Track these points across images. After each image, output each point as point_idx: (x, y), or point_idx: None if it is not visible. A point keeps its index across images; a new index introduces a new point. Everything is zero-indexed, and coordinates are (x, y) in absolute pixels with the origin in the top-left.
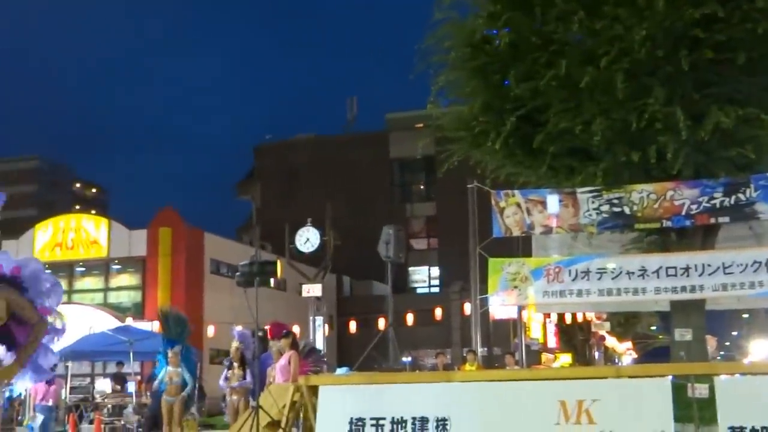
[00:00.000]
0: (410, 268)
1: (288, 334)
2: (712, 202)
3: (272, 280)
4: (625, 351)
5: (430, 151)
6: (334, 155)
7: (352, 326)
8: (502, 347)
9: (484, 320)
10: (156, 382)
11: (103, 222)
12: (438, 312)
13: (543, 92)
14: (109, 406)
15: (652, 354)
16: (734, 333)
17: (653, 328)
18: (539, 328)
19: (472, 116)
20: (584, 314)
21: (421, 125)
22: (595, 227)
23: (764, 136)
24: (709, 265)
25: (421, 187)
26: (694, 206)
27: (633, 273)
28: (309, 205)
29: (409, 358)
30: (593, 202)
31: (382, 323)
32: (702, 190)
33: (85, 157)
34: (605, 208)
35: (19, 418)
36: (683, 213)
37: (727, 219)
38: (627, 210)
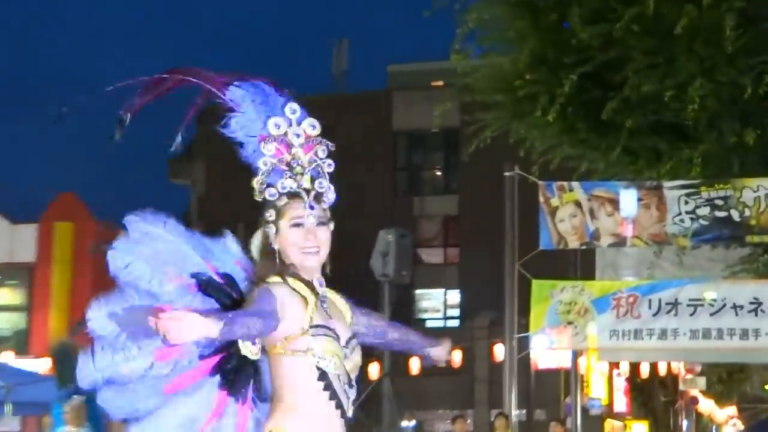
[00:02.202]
0: (417, 291)
1: None
2: None
3: None
4: (727, 420)
5: (451, 122)
6: None
7: None
8: (548, 410)
9: (523, 370)
10: None
11: None
12: (457, 356)
13: (619, 40)
14: None
15: (766, 426)
16: None
17: None
18: (603, 384)
19: (515, 73)
20: (669, 365)
21: (440, 83)
22: (689, 239)
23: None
24: None
25: (438, 173)
26: None
27: (742, 307)
28: None
29: (413, 423)
30: (687, 203)
31: (374, 370)
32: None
33: None
34: (704, 211)
35: None
36: None
37: None
38: (736, 215)
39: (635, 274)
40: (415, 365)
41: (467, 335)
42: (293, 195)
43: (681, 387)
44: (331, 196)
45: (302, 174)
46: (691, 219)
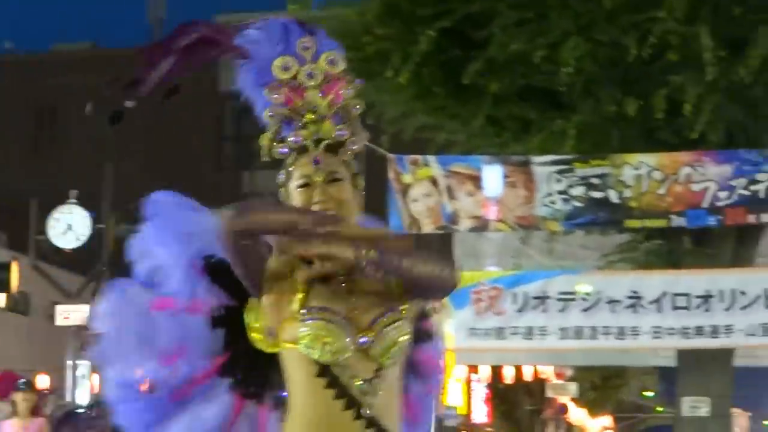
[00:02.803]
0: None
1: (26, 389)
2: (754, 187)
3: (2, 295)
4: (601, 431)
5: None
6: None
7: None
8: None
9: None
10: None
11: None
12: None
13: None
14: None
15: None
16: None
17: (648, 394)
18: (460, 390)
19: (362, 27)
20: (536, 369)
21: None
22: (561, 223)
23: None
24: (742, 293)
25: None
26: (723, 193)
27: (619, 302)
28: (73, 167)
29: None
30: (559, 181)
31: None
32: (737, 168)
33: None
34: (579, 191)
35: None
36: (706, 204)
37: None
38: (614, 196)
39: (498, 263)
40: None
41: None
42: (302, 149)
43: (549, 394)
44: (357, 143)
45: (317, 122)
46: (564, 200)
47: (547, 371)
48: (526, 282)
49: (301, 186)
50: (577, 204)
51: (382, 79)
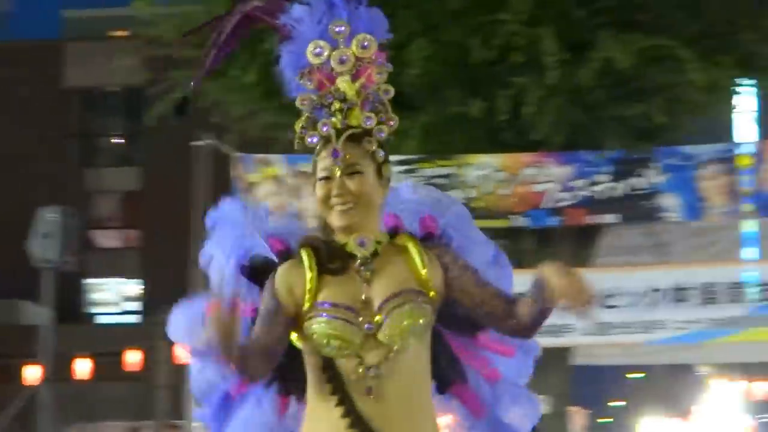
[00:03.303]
0: (88, 281)
1: None
2: (595, 188)
3: None
4: None
5: (135, 80)
6: None
7: None
8: None
9: None
10: None
11: None
12: (134, 358)
13: None
14: None
15: None
16: (616, 404)
17: None
18: None
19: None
20: None
21: (123, 34)
22: None
23: (680, 86)
24: None
25: (117, 141)
26: (564, 194)
27: None
28: None
29: None
30: (404, 181)
31: (32, 374)
32: (579, 169)
33: None
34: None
35: None
36: (547, 205)
37: (615, 218)
38: (458, 196)
39: None
40: (81, 367)
41: (148, 333)
42: (326, 140)
43: None
44: (386, 130)
45: (348, 110)
46: None
47: None
48: None
49: (321, 179)
50: None
51: (229, 78)
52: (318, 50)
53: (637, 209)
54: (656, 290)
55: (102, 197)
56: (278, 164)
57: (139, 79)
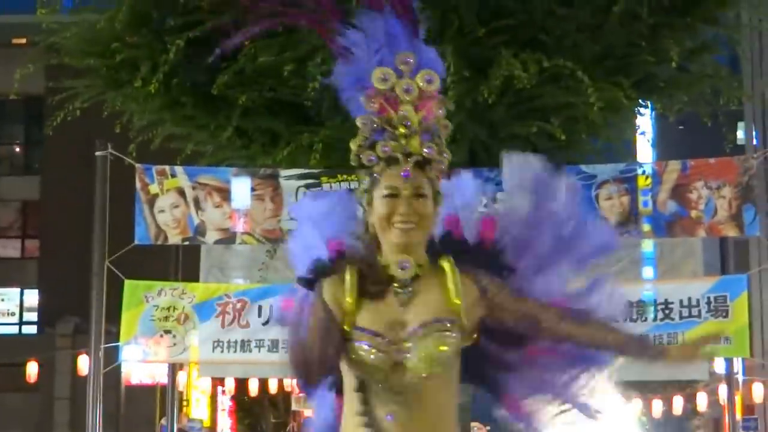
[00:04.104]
0: None
1: None
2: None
3: None
4: None
5: (35, 89)
6: None
7: None
8: None
9: (112, 386)
10: None
11: None
12: (33, 369)
13: (234, 3)
14: None
15: None
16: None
17: None
18: (206, 403)
19: (111, 34)
20: (281, 382)
21: (23, 41)
22: None
23: (579, 105)
24: None
25: (16, 149)
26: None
27: None
28: None
29: None
30: (306, 195)
31: None
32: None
33: None
34: None
35: None
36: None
37: None
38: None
39: (246, 276)
40: None
41: (47, 344)
42: (392, 160)
43: (294, 407)
44: (444, 162)
45: (409, 136)
46: None
47: (293, 384)
48: (272, 295)
49: (387, 196)
50: None
51: (131, 88)
52: (384, 77)
53: None
54: None
55: (1, 206)
56: (180, 175)
57: (39, 87)
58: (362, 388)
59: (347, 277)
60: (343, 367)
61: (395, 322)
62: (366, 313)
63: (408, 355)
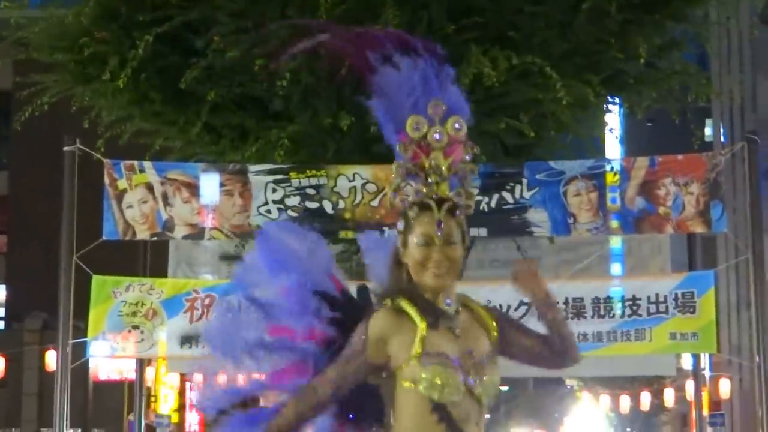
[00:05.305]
0: None
1: None
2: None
3: None
4: None
5: (3, 84)
6: None
7: None
8: (108, 428)
9: (80, 381)
10: None
11: None
12: (0, 365)
13: None
14: None
15: None
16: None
17: None
18: (173, 399)
19: (79, 29)
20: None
21: None
22: None
23: (549, 102)
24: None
25: None
26: None
27: None
28: None
29: None
30: (275, 191)
31: None
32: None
33: None
34: (294, 201)
35: None
36: None
37: (484, 232)
38: (329, 207)
39: (214, 271)
40: None
41: (15, 340)
42: (425, 207)
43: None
44: (470, 204)
45: (439, 182)
46: (279, 210)
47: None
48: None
49: (421, 244)
50: (293, 214)
51: (99, 83)
52: (417, 126)
53: (506, 224)
54: (526, 304)
55: None
56: (148, 171)
57: (6, 82)
58: (438, 408)
59: (407, 308)
60: (405, 392)
61: (459, 351)
62: (433, 340)
63: (474, 384)
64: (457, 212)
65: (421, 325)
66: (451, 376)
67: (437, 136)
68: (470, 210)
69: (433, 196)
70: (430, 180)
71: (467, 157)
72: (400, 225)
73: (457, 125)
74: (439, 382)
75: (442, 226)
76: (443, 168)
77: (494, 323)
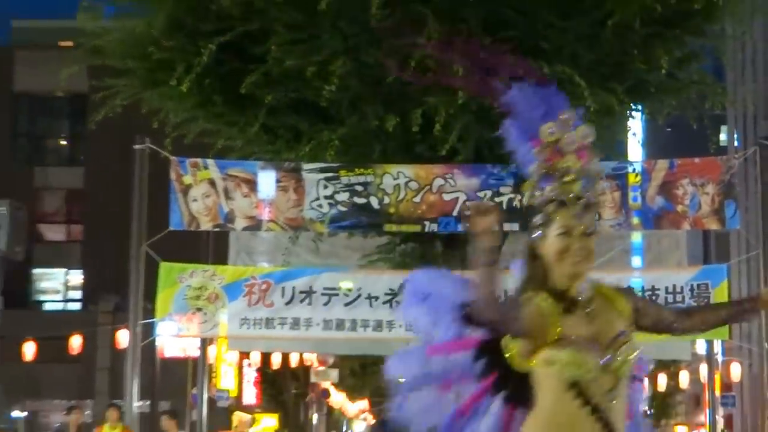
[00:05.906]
0: (35, 270)
1: None
2: (498, 199)
3: None
4: (359, 414)
5: (79, 87)
6: None
7: None
8: (174, 401)
9: (148, 358)
10: None
11: None
12: (76, 342)
13: (262, 11)
14: None
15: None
16: None
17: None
18: (233, 374)
19: (149, 38)
20: (301, 356)
21: (70, 44)
22: (327, 225)
23: (578, 107)
24: None
25: (63, 142)
26: (471, 203)
27: (377, 298)
28: None
29: (25, 413)
30: (326, 187)
31: None
32: (485, 181)
33: None
34: (343, 196)
35: None
36: (455, 213)
37: (516, 226)
38: (375, 202)
39: (270, 260)
40: (29, 350)
41: (89, 320)
42: (562, 203)
43: (313, 379)
44: (601, 204)
45: (573, 182)
46: (330, 204)
47: (312, 358)
48: (294, 278)
49: (561, 234)
50: (342, 208)
51: (167, 87)
52: (552, 131)
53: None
54: None
55: (48, 194)
56: (211, 168)
57: (83, 85)
58: (575, 385)
59: (543, 297)
60: (544, 372)
61: (595, 332)
62: (569, 325)
63: (611, 360)
64: (591, 208)
65: (558, 311)
66: (584, 356)
67: (570, 140)
68: (600, 207)
69: (569, 194)
70: (565, 179)
71: (594, 162)
72: (539, 219)
73: (585, 133)
74: (573, 362)
75: (582, 218)
76: (576, 168)
77: (625, 301)
